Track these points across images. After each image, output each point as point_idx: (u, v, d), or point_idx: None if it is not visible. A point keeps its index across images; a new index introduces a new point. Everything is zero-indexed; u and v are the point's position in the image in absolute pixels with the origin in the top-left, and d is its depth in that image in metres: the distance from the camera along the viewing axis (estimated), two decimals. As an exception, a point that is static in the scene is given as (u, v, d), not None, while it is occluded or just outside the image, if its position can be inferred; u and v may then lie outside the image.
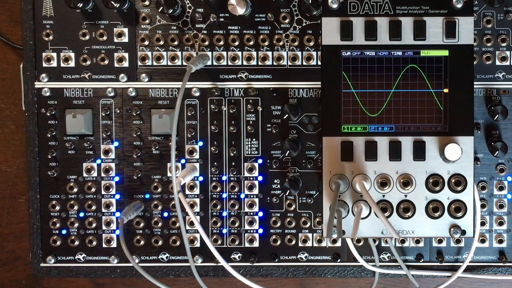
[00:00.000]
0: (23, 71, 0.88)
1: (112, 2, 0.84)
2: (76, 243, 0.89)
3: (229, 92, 0.87)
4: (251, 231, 0.89)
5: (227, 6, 0.85)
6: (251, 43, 0.86)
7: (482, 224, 0.88)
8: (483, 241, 0.88)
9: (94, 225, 0.89)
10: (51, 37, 0.87)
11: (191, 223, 0.88)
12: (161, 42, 0.87)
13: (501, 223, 0.88)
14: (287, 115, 0.86)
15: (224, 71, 0.87)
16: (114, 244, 0.89)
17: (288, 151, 0.85)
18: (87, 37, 0.87)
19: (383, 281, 0.96)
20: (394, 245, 0.88)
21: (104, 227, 0.89)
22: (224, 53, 0.87)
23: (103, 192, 0.89)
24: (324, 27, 0.79)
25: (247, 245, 0.89)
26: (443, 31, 0.79)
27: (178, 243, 0.89)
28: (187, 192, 0.88)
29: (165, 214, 0.89)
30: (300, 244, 0.89)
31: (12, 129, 0.97)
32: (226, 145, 0.88)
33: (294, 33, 0.86)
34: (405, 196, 0.80)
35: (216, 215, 0.89)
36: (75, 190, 0.88)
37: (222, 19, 0.86)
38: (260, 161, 0.88)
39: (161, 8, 0.84)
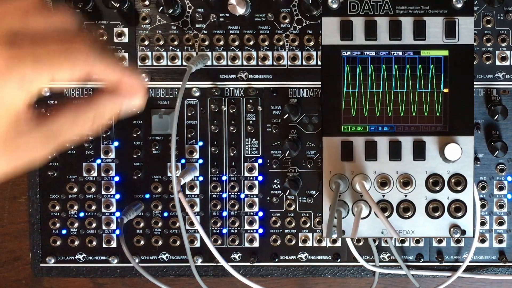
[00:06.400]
0: (23, 71, 0.87)
1: (112, 2, 0.84)
2: (76, 243, 0.89)
3: (229, 92, 0.87)
4: (251, 231, 0.89)
5: (227, 6, 0.85)
6: (251, 43, 0.86)
7: (482, 224, 0.88)
8: (483, 241, 0.88)
9: (94, 225, 0.89)
10: (51, 37, 0.86)
11: (191, 223, 0.88)
12: (161, 42, 0.87)
13: (501, 223, 0.88)
14: (287, 115, 0.86)
15: (224, 71, 0.87)
16: (114, 244, 0.89)
17: (288, 151, 0.85)
18: (87, 37, 0.87)
19: (383, 281, 0.96)
20: (394, 245, 0.88)
21: (104, 227, 0.89)
22: (224, 53, 0.87)
23: (103, 192, 0.89)
24: (324, 27, 0.79)
25: (247, 245, 0.89)
26: (443, 31, 0.79)
27: (178, 243, 0.89)
28: (187, 192, 0.88)
29: (165, 214, 0.89)
30: (300, 244, 0.89)
31: (12, 129, 0.96)
32: (226, 145, 0.88)
33: (294, 33, 0.86)
34: (405, 196, 0.80)
35: (216, 215, 0.89)
36: (75, 190, 0.88)
37: (222, 19, 0.86)
38: (260, 161, 0.88)
39: (161, 8, 0.84)
